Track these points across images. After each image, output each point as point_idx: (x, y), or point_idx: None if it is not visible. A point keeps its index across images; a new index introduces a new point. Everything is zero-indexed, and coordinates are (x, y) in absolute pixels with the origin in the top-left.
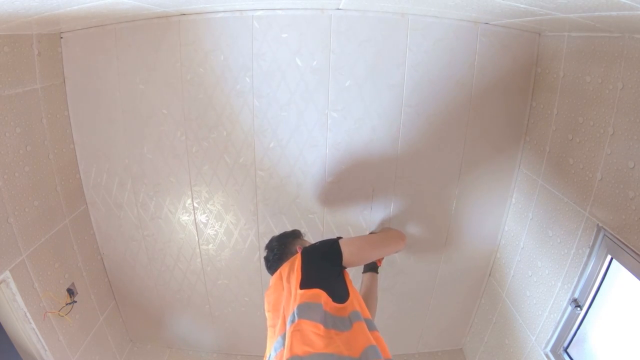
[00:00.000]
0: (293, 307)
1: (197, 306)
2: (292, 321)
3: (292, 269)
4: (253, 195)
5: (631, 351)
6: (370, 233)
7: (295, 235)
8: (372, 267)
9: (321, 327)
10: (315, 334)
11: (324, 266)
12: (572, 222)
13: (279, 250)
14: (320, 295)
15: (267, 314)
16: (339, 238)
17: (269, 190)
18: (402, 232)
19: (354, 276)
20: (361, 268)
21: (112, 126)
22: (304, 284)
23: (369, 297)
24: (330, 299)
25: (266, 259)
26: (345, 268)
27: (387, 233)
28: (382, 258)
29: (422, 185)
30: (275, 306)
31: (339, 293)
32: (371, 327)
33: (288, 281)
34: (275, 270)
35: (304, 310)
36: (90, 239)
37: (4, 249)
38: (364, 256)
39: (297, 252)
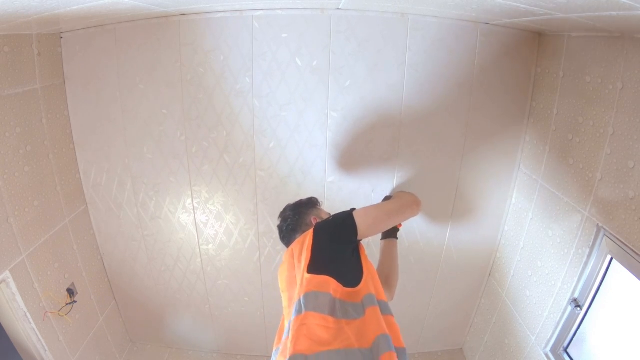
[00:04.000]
0: (300, 294)
1: (197, 306)
2: (299, 312)
3: (303, 246)
4: (253, 195)
5: (631, 351)
6: (385, 198)
7: (311, 204)
8: (390, 233)
9: (330, 318)
10: (322, 327)
11: (336, 246)
12: (572, 222)
13: (292, 220)
14: (329, 283)
15: (282, 294)
16: (353, 210)
17: (269, 190)
18: (416, 196)
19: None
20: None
21: (112, 126)
22: (313, 268)
23: (390, 265)
24: (340, 285)
25: (279, 228)
26: (361, 240)
27: (401, 198)
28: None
29: (422, 185)
30: (289, 286)
31: (352, 275)
32: (385, 310)
33: (299, 260)
34: (289, 242)
35: (310, 300)
36: (90, 239)
37: (4, 249)
38: (380, 226)
39: (312, 224)
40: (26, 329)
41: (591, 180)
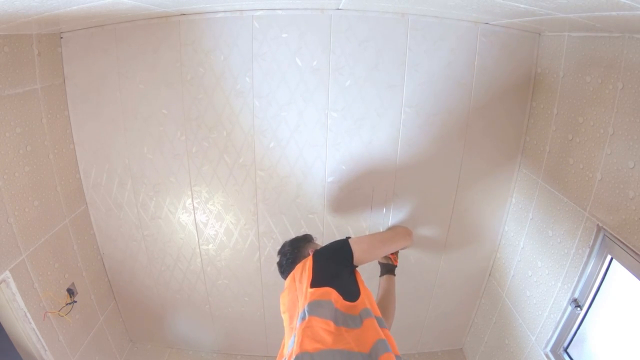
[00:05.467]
0: (304, 305)
1: (197, 306)
2: (303, 318)
3: (304, 269)
4: (253, 195)
5: (631, 351)
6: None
7: (307, 239)
8: (389, 269)
9: (332, 324)
10: (325, 331)
11: (334, 265)
12: (572, 222)
13: (291, 254)
14: (330, 293)
15: (282, 315)
16: (348, 238)
17: (269, 190)
18: (408, 228)
19: (369, 278)
20: (377, 271)
21: (112, 126)
22: (315, 283)
23: (387, 299)
24: (340, 297)
25: (279, 264)
26: (357, 267)
27: (394, 230)
28: (397, 257)
29: (422, 185)
30: (290, 307)
31: (350, 291)
32: (382, 325)
33: (300, 281)
34: (289, 274)
35: (314, 308)
36: (90, 239)
37: (4, 249)
38: (375, 252)
39: (309, 255)
40: (26, 329)
41: (591, 180)
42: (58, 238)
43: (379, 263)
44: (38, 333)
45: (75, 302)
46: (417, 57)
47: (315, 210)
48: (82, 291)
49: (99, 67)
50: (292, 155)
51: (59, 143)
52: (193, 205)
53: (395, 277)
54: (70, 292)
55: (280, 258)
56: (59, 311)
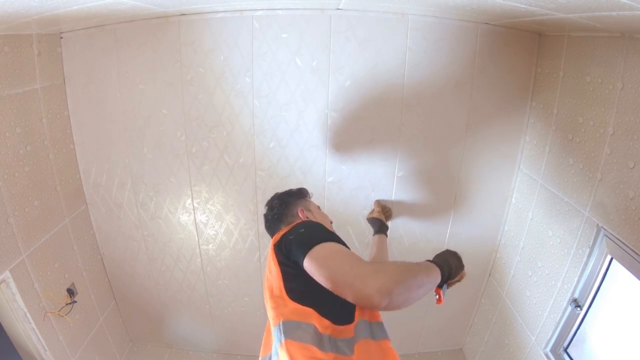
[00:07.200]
0: (279, 319)
1: (197, 306)
2: (280, 340)
3: (272, 257)
4: (253, 195)
5: (631, 351)
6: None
7: (300, 194)
8: (381, 229)
9: (315, 349)
10: (308, 358)
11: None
12: (572, 222)
13: (278, 209)
14: (310, 316)
15: (265, 304)
16: (325, 242)
17: (269, 190)
18: (388, 279)
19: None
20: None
21: (112, 126)
22: (294, 294)
23: (382, 256)
24: (328, 322)
25: (265, 217)
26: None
27: (381, 265)
28: (443, 295)
29: (422, 185)
30: (267, 286)
31: (344, 308)
32: (379, 335)
33: (270, 271)
34: (273, 232)
35: (290, 330)
36: (90, 239)
37: (4, 249)
38: (327, 271)
39: (297, 215)
40: (26, 329)
41: (591, 180)
42: (58, 238)
43: (369, 219)
44: (38, 333)
45: (75, 302)
46: (417, 57)
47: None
48: (82, 291)
49: (99, 67)
50: (292, 155)
51: (59, 143)
52: (193, 205)
53: None
54: (70, 292)
55: (267, 211)
56: (59, 311)
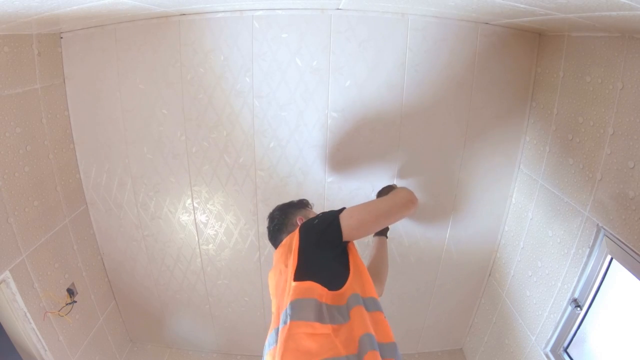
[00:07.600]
0: (286, 303)
1: (197, 306)
2: (285, 322)
3: (290, 249)
4: (253, 195)
5: (631, 351)
6: (380, 190)
7: (300, 205)
8: (381, 231)
9: (317, 325)
10: (309, 336)
11: (320, 252)
12: (572, 222)
13: (279, 220)
14: (313, 289)
15: (271, 299)
16: (341, 210)
17: (269, 190)
18: (413, 195)
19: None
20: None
21: (112, 126)
22: (299, 275)
23: (380, 264)
24: (325, 290)
25: (267, 228)
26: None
27: (394, 196)
28: None
29: (422, 185)
30: (277, 293)
31: (337, 277)
32: (373, 307)
33: (286, 264)
34: (276, 242)
35: (296, 310)
36: (90, 239)
37: (4, 249)
38: (367, 230)
39: (297, 224)
40: (26, 329)
41: (591, 180)
42: (58, 238)
43: None
44: (38, 333)
45: (75, 302)
46: (417, 57)
47: (315, 210)
48: (82, 291)
49: (99, 67)
50: (292, 155)
51: (59, 143)
52: (193, 205)
53: (395, 276)
54: (70, 292)
55: (268, 222)
56: (59, 311)
